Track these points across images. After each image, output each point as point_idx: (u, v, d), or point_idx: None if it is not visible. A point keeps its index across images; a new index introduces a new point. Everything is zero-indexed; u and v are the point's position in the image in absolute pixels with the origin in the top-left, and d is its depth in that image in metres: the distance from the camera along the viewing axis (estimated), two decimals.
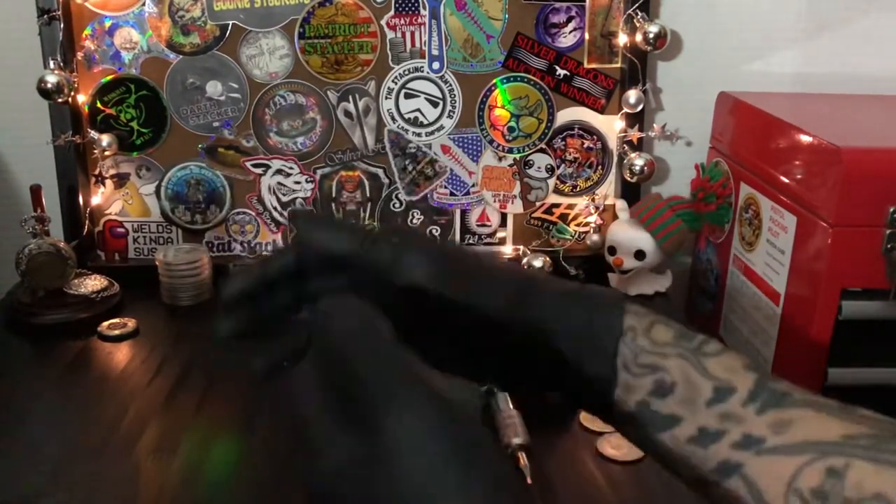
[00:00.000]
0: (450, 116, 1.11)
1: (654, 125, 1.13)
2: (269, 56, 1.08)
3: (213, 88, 1.09)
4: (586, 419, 0.77)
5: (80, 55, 1.06)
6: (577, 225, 1.17)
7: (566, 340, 0.39)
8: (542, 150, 1.14)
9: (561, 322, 0.39)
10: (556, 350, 0.39)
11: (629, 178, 1.11)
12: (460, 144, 1.13)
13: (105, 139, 1.07)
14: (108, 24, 1.06)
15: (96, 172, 1.11)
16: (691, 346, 0.38)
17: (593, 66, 1.11)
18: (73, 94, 1.04)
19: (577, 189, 1.15)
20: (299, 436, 0.32)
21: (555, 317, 0.39)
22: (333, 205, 1.14)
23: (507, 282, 0.40)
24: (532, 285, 0.41)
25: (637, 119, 1.10)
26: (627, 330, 0.39)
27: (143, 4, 1.05)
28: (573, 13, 1.09)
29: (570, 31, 1.09)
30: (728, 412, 0.36)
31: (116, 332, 0.95)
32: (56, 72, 1.01)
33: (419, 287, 0.39)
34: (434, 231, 1.15)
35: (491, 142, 1.13)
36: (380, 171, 1.13)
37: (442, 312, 0.40)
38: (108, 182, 1.11)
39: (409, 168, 1.13)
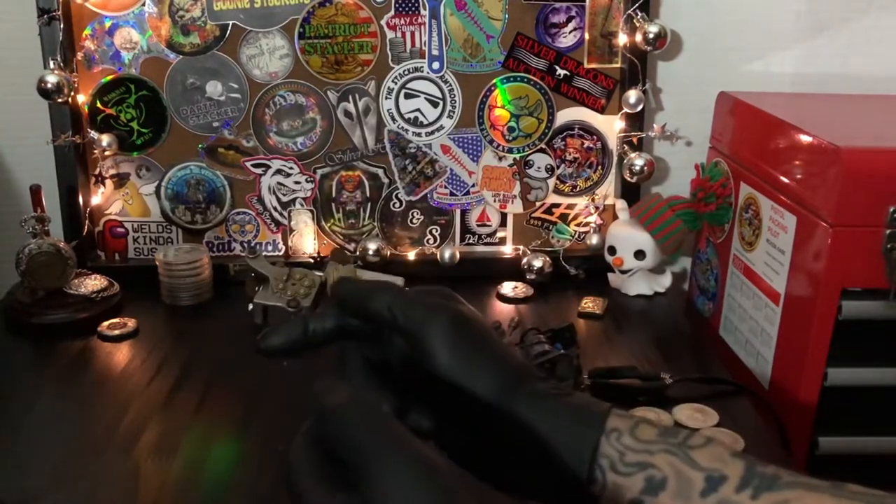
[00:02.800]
0: (450, 116, 1.11)
1: (654, 125, 1.13)
2: (269, 56, 1.08)
3: (213, 88, 1.09)
4: None
5: (80, 55, 1.06)
6: (577, 225, 1.17)
7: (548, 439, 0.40)
8: (542, 150, 1.14)
9: (546, 420, 0.40)
10: (538, 449, 0.40)
11: (629, 178, 1.11)
12: (460, 144, 1.13)
13: (105, 139, 1.07)
14: (108, 24, 1.06)
15: (96, 172, 1.11)
16: (677, 441, 0.39)
17: (593, 66, 1.11)
18: (73, 94, 1.04)
19: (577, 189, 1.16)
20: (296, 499, 0.34)
21: (540, 415, 0.40)
22: (333, 205, 1.14)
23: (502, 370, 0.42)
24: (522, 380, 0.42)
25: (637, 119, 1.11)
26: (612, 431, 0.39)
27: (143, 4, 1.06)
28: (573, 13, 1.09)
29: (570, 31, 1.09)
30: (723, 501, 0.36)
31: (116, 332, 0.95)
32: (56, 72, 1.01)
33: (433, 357, 0.41)
34: (434, 231, 1.16)
35: (491, 142, 1.13)
36: (380, 171, 1.13)
37: (446, 383, 0.41)
38: (108, 182, 1.11)
39: (409, 168, 1.13)
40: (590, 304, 1.04)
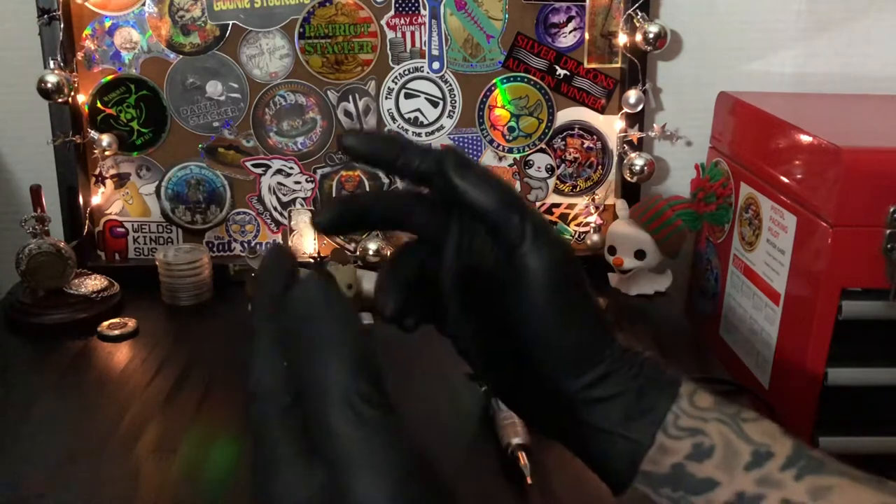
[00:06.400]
0: (450, 116, 1.11)
1: (654, 125, 1.13)
2: (269, 56, 1.08)
3: (213, 88, 1.09)
4: None
5: (80, 55, 1.06)
6: (577, 225, 1.17)
7: (615, 408, 0.39)
8: (542, 150, 1.14)
9: (623, 381, 0.39)
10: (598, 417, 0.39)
11: (629, 178, 1.11)
12: (460, 144, 1.13)
13: (105, 139, 1.07)
14: (108, 24, 1.06)
15: (96, 172, 1.11)
16: (730, 412, 0.39)
17: (593, 66, 1.11)
18: (73, 94, 1.04)
19: (577, 189, 1.16)
20: (262, 461, 0.30)
21: (619, 374, 0.39)
22: None
23: (593, 326, 0.40)
24: (609, 343, 0.40)
25: (637, 119, 1.11)
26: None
27: (144, 4, 1.06)
28: (573, 13, 1.09)
29: (570, 31, 1.09)
30: (766, 477, 0.36)
31: (116, 332, 0.95)
32: (56, 72, 1.01)
33: (529, 287, 0.38)
34: None
35: (491, 142, 1.13)
36: (380, 171, 1.13)
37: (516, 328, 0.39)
38: (108, 182, 1.11)
39: None
40: None
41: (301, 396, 0.29)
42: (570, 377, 0.39)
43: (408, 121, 1.11)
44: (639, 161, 1.09)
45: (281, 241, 1.15)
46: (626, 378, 0.39)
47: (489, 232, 0.39)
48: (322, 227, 0.40)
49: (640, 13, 1.06)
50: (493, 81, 1.11)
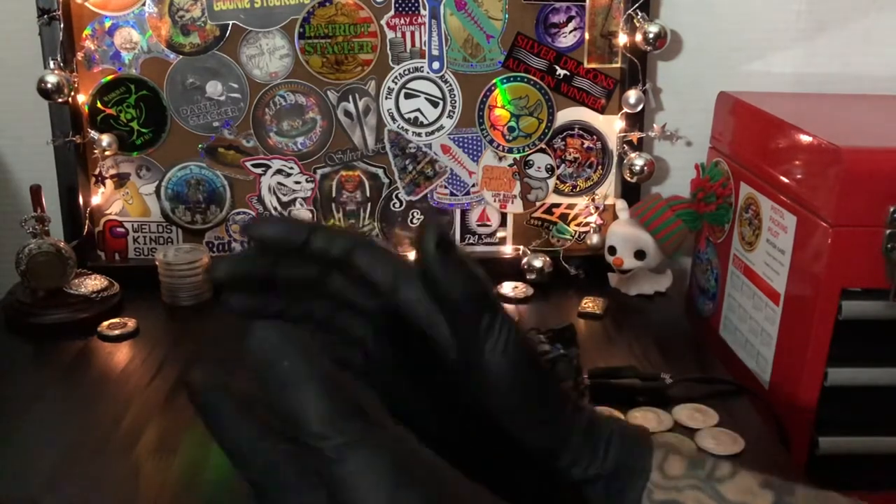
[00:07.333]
0: (450, 116, 1.11)
1: (654, 125, 1.13)
2: (269, 56, 1.08)
3: (213, 88, 1.09)
4: None
5: (80, 55, 1.06)
6: (577, 225, 1.17)
7: (595, 484, 0.38)
8: (542, 150, 1.14)
9: (591, 468, 0.38)
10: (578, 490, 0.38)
11: (629, 178, 1.11)
12: (460, 144, 1.13)
13: (105, 139, 1.07)
14: (108, 24, 1.06)
15: (96, 172, 1.11)
16: (703, 475, 0.37)
17: (593, 66, 1.11)
18: (73, 94, 1.04)
19: (577, 189, 1.16)
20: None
21: (585, 461, 0.38)
22: (333, 205, 1.14)
23: (557, 422, 0.38)
24: (574, 426, 0.38)
25: (637, 119, 1.11)
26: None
27: (144, 4, 1.05)
28: (573, 13, 1.09)
29: (570, 31, 1.09)
30: None
31: (116, 332, 0.95)
32: (56, 72, 1.01)
33: (487, 390, 0.36)
34: None
35: (491, 142, 1.13)
36: (380, 171, 1.13)
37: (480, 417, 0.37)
38: (108, 182, 1.11)
39: (410, 168, 1.13)
40: (590, 304, 1.04)
41: (286, 439, 0.29)
42: (548, 463, 0.38)
43: (408, 121, 1.11)
44: (639, 161, 1.09)
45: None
46: (598, 461, 0.38)
47: (451, 322, 0.36)
48: (220, 280, 0.36)
49: (640, 13, 1.06)
50: (493, 81, 1.11)
